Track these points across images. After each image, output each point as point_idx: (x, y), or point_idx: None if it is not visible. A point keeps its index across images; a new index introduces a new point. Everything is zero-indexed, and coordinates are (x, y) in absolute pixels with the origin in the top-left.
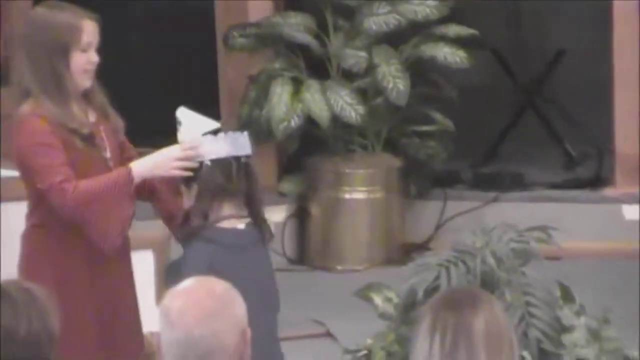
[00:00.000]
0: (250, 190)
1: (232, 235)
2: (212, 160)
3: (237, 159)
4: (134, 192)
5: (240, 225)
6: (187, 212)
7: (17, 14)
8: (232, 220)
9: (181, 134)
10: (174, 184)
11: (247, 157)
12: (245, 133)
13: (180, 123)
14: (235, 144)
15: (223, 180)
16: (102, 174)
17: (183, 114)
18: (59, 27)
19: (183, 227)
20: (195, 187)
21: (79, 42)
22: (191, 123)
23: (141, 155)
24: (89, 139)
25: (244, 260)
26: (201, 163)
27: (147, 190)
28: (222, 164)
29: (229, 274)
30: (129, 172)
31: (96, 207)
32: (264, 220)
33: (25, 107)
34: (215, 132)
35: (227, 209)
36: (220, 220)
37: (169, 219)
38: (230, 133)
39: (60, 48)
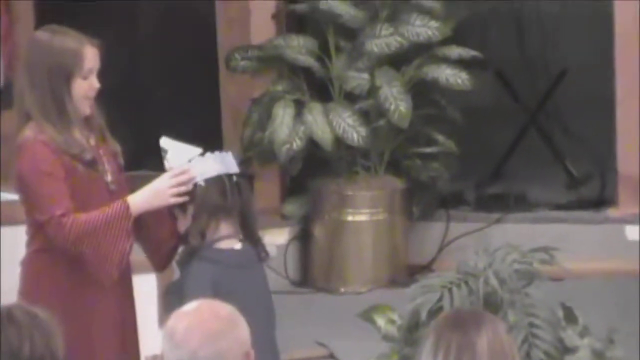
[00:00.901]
0: (245, 209)
1: (232, 255)
2: (206, 180)
3: (229, 176)
4: (131, 227)
5: (237, 245)
6: (185, 235)
7: (20, 35)
8: (229, 240)
9: (168, 162)
10: (167, 209)
11: (237, 175)
12: (230, 152)
13: (165, 151)
14: (223, 163)
15: (219, 198)
16: (104, 199)
17: (166, 143)
18: (62, 52)
19: (182, 249)
20: (190, 209)
21: (81, 68)
22: (176, 151)
23: (143, 178)
24: (91, 164)
25: (245, 280)
26: (195, 184)
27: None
28: (216, 183)
29: (232, 294)
30: (127, 207)
31: (93, 242)
32: (259, 239)
33: (28, 132)
34: (201, 155)
35: (224, 228)
36: (219, 240)
37: (157, 247)
38: (216, 153)
39: (63, 74)
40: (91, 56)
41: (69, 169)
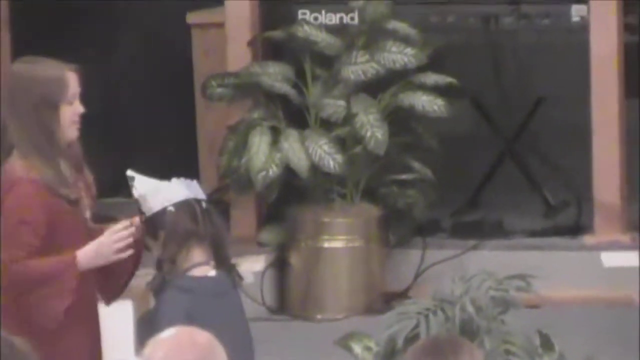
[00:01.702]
0: (216, 236)
1: (206, 282)
2: (175, 205)
3: (198, 202)
4: (76, 283)
5: (212, 272)
6: (158, 262)
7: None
8: (203, 267)
9: (136, 190)
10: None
11: (206, 202)
12: (195, 181)
13: (132, 179)
14: (190, 188)
15: (190, 223)
16: (82, 238)
17: (132, 174)
18: (46, 82)
19: (154, 276)
20: (161, 236)
21: (66, 94)
22: (142, 180)
23: (119, 205)
24: (75, 203)
25: (219, 307)
26: (164, 210)
27: None
28: (186, 208)
29: (207, 322)
30: (75, 266)
31: (34, 292)
32: (233, 266)
33: (18, 168)
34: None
35: (197, 255)
36: (192, 268)
37: (105, 281)
38: (181, 179)
39: (50, 103)
40: (73, 81)
41: (53, 209)
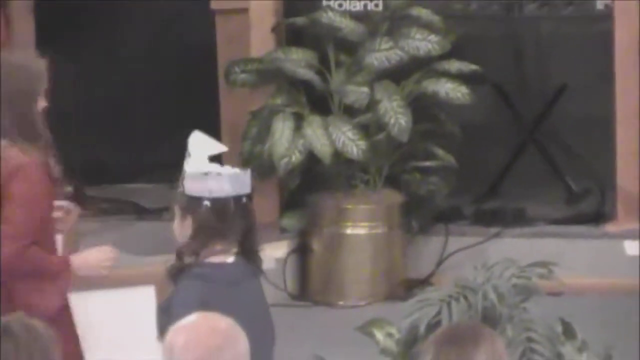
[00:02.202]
0: (247, 229)
1: (222, 269)
2: (212, 200)
3: (237, 199)
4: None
5: (229, 258)
6: (179, 250)
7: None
8: (220, 255)
9: (188, 166)
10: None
11: (247, 196)
12: (248, 171)
13: (189, 154)
14: (237, 183)
15: (220, 222)
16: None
17: (195, 142)
18: (28, 74)
19: (173, 264)
20: (188, 222)
21: (44, 87)
22: (199, 152)
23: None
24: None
25: (235, 295)
26: (201, 201)
27: None
28: (218, 206)
29: (223, 309)
30: (71, 268)
31: (30, 284)
32: (256, 254)
33: (15, 153)
34: (220, 162)
35: (218, 244)
36: (209, 255)
37: None
38: (234, 172)
39: (33, 94)
40: (47, 74)
41: (52, 193)
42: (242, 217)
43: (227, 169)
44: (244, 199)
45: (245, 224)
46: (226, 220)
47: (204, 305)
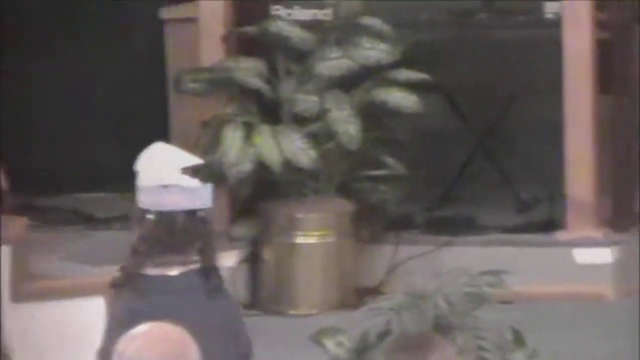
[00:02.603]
0: (203, 244)
1: (161, 282)
2: (157, 214)
3: (190, 213)
4: None
5: (173, 271)
6: (122, 263)
7: None
8: (164, 267)
9: (144, 178)
10: None
11: (205, 210)
12: (208, 185)
13: (139, 168)
14: (195, 197)
15: (164, 235)
16: None
17: (156, 154)
18: None
19: (115, 277)
20: (136, 229)
21: None
22: (161, 164)
23: (97, 200)
24: None
25: (175, 308)
26: (146, 213)
27: None
28: (167, 220)
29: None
30: None
31: None
32: (211, 269)
33: None
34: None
35: (165, 258)
36: (153, 268)
37: None
38: (190, 185)
39: None
40: None
41: None
42: (196, 231)
43: (187, 182)
44: (201, 213)
45: (201, 238)
46: (173, 234)
47: (136, 315)
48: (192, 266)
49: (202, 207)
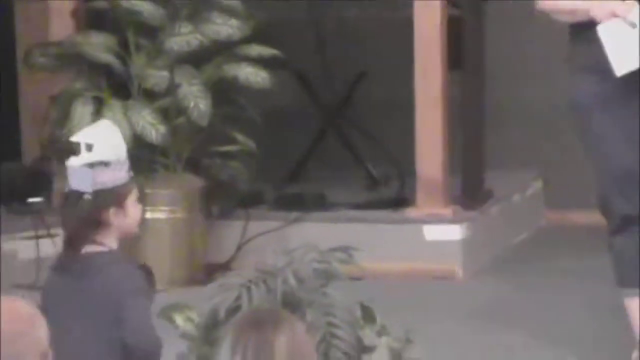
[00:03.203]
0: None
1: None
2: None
3: (71, 192)
4: None
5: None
6: None
7: None
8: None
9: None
10: None
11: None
12: (90, 169)
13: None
14: (75, 177)
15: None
16: None
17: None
18: None
19: None
20: None
21: None
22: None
23: None
24: None
25: (52, 288)
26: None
27: None
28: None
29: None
30: None
31: None
32: (77, 254)
33: None
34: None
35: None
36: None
37: None
38: (78, 166)
39: None
40: None
41: None
42: (73, 212)
43: (78, 161)
44: (86, 195)
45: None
46: (62, 214)
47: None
48: (90, 249)
49: (80, 189)
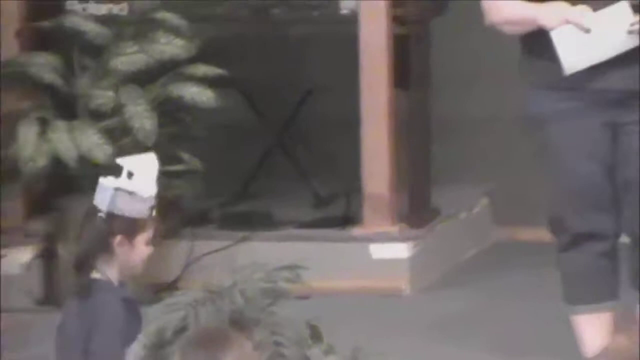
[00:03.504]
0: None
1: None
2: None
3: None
4: None
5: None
6: None
7: None
8: None
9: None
10: None
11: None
12: (111, 189)
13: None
14: (99, 194)
15: None
16: None
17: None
18: None
19: None
20: None
21: None
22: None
23: None
24: None
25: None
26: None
27: None
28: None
29: None
30: None
31: None
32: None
33: None
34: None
35: None
36: None
37: None
38: (107, 185)
39: None
40: None
41: None
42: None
43: (110, 182)
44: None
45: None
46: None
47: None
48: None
49: (99, 206)
